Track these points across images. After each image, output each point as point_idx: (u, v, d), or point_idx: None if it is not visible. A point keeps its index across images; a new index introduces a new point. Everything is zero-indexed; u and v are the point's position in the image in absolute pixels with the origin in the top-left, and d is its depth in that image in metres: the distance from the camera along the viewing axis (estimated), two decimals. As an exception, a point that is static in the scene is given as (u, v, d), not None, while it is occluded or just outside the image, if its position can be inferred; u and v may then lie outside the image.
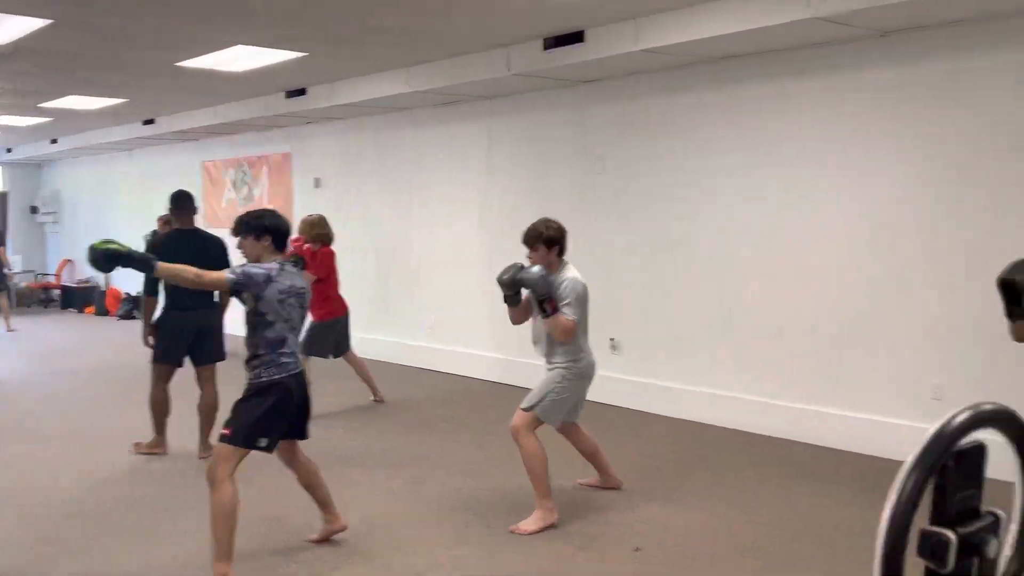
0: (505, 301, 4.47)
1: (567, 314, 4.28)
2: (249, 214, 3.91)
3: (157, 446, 5.76)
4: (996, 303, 4.29)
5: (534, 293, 4.30)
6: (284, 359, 3.75)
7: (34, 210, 16.62)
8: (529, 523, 4.29)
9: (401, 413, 7.02)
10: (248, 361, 3.77)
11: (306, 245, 6.78)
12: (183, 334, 5.56)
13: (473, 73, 7.15)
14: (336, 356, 7.02)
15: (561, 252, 4.45)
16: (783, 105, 6.05)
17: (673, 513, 4.63)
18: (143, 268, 3.68)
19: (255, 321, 3.73)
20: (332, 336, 6.93)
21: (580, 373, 4.43)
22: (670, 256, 6.79)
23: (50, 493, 5.00)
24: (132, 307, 13.36)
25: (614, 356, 7.03)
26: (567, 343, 4.35)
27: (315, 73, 8.03)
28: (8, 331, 11.73)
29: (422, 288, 8.97)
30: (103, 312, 14.00)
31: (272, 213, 3.94)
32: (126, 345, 10.40)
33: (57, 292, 15.61)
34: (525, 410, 4.38)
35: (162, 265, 3.69)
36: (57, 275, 15.79)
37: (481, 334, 8.35)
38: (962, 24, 5.15)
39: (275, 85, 8.68)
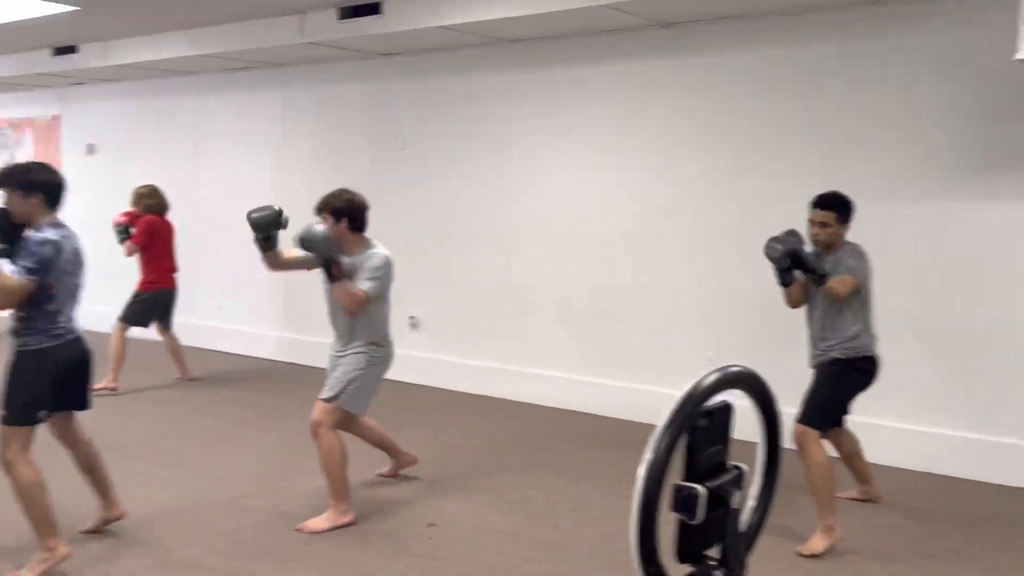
0: (258, 243, 4.17)
1: (365, 286, 4.06)
2: (16, 167, 3.63)
3: None
4: (761, 280, 4.71)
5: (316, 254, 4.03)
6: (59, 329, 3.56)
7: None
8: (319, 521, 4.10)
9: (187, 397, 6.72)
10: (15, 328, 3.54)
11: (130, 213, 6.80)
12: None
13: (265, 39, 6.89)
14: (164, 328, 6.99)
15: (355, 227, 4.18)
16: (574, 88, 6.28)
17: (470, 492, 4.73)
18: None
19: (35, 294, 3.46)
20: (154, 307, 6.80)
21: (382, 359, 4.25)
22: (470, 234, 6.90)
23: None
24: None
25: (414, 334, 7.07)
26: (364, 325, 4.15)
27: (88, 30, 7.44)
28: None
29: (207, 264, 8.58)
30: None
31: (41, 166, 3.67)
32: None
33: None
34: (327, 400, 4.14)
35: None
36: None
37: (270, 313, 8.12)
38: (737, 20, 5.56)
39: (42, 40, 7.96)
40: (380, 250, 4.20)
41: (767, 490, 1.75)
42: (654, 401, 5.91)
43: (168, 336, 7.05)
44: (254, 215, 4.14)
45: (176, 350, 7.11)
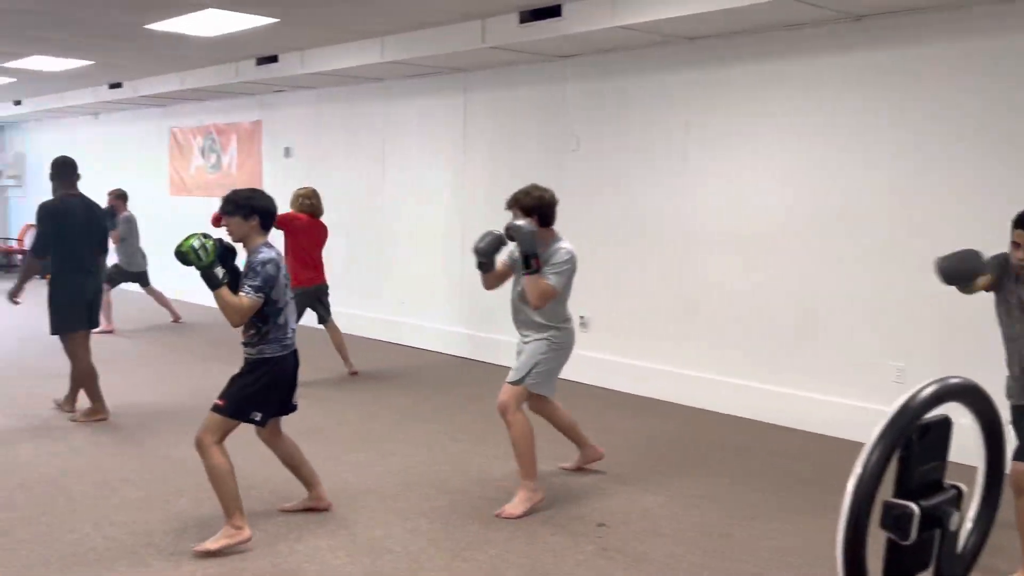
0: (479, 267, 4.41)
1: (551, 281, 4.19)
2: (238, 193, 3.88)
3: (99, 412, 5.84)
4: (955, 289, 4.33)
5: (520, 248, 4.20)
6: (288, 339, 3.86)
7: (-3, 173, 16.29)
8: (515, 506, 4.20)
9: (365, 387, 6.99)
10: (249, 340, 3.83)
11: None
12: (85, 298, 5.70)
13: (448, 44, 7.07)
14: (324, 321, 7.27)
15: (543, 222, 4.30)
16: (756, 87, 6.05)
17: (640, 492, 4.65)
18: (211, 283, 3.67)
19: (264, 308, 3.76)
20: (301, 304, 6.99)
21: (564, 343, 4.35)
22: (640, 234, 6.80)
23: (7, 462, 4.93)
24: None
25: (584, 334, 7.03)
26: (545, 311, 4.25)
27: (287, 40, 7.89)
28: None
29: (390, 261, 8.92)
30: (66, 279, 13.74)
31: (261, 193, 3.92)
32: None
33: (19, 257, 15.31)
34: (513, 384, 4.27)
35: (224, 291, 3.67)
36: (19, 240, 15.50)
37: (448, 309, 8.33)
38: (931, 11, 5.18)
39: (246, 51, 8.53)
40: (565, 244, 4.32)
41: (986, 512, 1.58)
42: (832, 412, 5.63)
43: (332, 330, 7.25)
44: (480, 246, 4.34)
45: (340, 344, 7.29)
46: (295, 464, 4.15)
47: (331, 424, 5.82)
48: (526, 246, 4.15)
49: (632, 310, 6.89)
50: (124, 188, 9.62)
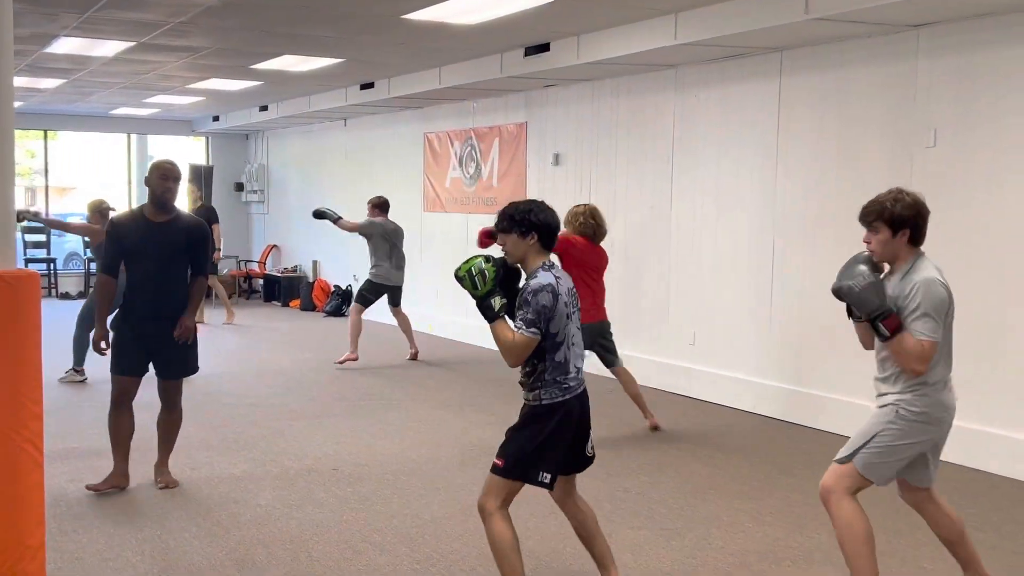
0: (849, 316, 4.10)
1: (920, 331, 3.81)
2: (515, 206, 4.05)
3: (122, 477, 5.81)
4: None
5: (861, 313, 3.93)
6: (571, 380, 3.95)
7: (239, 187, 18.15)
8: None
9: (651, 448, 6.97)
10: (526, 381, 3.99)
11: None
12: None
13: (761, 18, 6.93)
14: (611, 365, 7.32)
15: (915, 239, 3.95)
16: None
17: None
18: (486, 316, 3.95)
19: (541, 342, 3.90)
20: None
21: (926, 415, 3.92)
22: (1025, 260, 6.23)
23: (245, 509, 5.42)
24: (342, 302, 14.29)
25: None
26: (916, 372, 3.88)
27: (561, 23, 8.13)
28: (226, 324, 13.10)
29: (682, 293, 8.85)
30: (309, 307, 15.06)
31: (540, 205, 4.06)
32: (334, 347, 11.09)
33: (260, 282, 16.99)
34: (840, 462, 4.02)
35: (500, 326, 3.91)
36: (261, 263, 17.16)
37: (757, 355, 8.10)
38: None
39: (513, 40, 8.89)
40: (926, 273, 3.92)
41: None
42: None
43: (624, 376, 7.29)
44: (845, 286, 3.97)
45: (636, 393, 7.33)
46: (588, 535, 4.19)
47: (609, 492, 5.82)
48: (869, 307, 3.85)
49: (1007, 370, 6.30)
50: (385, 197, 10.47)
